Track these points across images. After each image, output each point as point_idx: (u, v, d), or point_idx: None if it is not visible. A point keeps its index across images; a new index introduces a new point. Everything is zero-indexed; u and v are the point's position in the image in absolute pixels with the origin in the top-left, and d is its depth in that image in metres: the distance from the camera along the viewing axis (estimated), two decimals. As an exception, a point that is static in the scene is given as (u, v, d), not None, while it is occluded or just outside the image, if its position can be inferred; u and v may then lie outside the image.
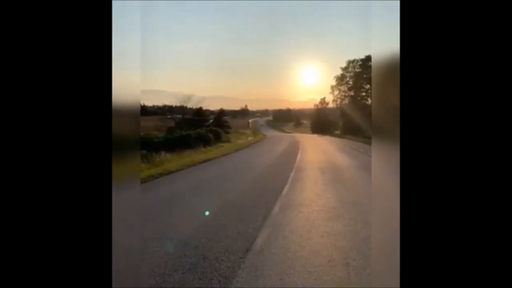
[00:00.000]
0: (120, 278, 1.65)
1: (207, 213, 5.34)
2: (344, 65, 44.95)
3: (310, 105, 64.92)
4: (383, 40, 1.74)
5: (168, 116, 37.62)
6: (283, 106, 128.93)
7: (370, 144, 12.75)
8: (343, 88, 45.23)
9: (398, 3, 1.34)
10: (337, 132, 42.95)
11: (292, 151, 17.59)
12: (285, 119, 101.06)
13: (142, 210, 5.93)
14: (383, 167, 1.71)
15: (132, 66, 1.66)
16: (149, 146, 17.89)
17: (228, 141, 28.75)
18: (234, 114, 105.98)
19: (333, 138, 33.20)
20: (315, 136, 40.34)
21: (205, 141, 23.22)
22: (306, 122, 78.94)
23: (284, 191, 7.00)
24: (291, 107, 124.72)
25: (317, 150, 18.64)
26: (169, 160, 13.83)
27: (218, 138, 27.02)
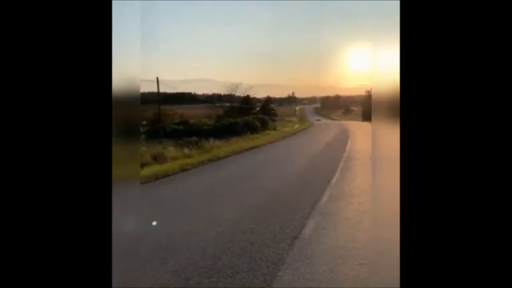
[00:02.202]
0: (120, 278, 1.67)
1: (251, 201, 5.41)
2: (399, 47, 41.96)
3: (361, 92, 61.93)
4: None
5: (217, 105, 38.65)
6: (332, 92, 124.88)
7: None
8: (398, 72, 42.36)
9: (398, 3, 1.34)
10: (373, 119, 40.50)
11: (341, 140, 17.02)
12: (333, 106, 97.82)
13: (189, 196, 6.22)
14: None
15: (131, 57, 1.66)
16: (199, 133, 18.66)
17: (275, 129, 28.77)
18: (281, 101, 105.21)
19: (385, 126, 31.43)
20: (366, 123, 38.57)
21: (252, 129, 23.52)
22: (356, 109, 75.62)
23: (333, 180, 6.81)
24: (341, 93, 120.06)
25: (368, 139, 17.81)
26: (218, 146, 14.28)
27: (264, 126, 27.18)
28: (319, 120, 54.12)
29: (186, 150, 12.47)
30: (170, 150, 12.40)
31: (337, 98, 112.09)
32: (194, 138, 15.61)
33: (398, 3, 1.35)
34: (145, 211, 4.76)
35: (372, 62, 1.86)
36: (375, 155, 1.82)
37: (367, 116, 52.21)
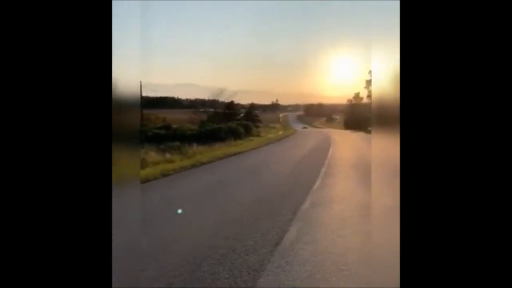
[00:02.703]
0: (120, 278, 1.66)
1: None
2: (380, 58, 43.15)
3: (343, 100, 63.03)
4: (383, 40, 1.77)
5: (201, 110, 38.40)
6: (315, 100, 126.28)
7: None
8: (379, 82, 43.46)
9: (398, 3, 1.34)
10: (371, 128, 41.46)
11: (323, 147, 17.25)
12: (316, 114, 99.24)
13: (169, 202, 6.12)
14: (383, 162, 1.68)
15: (131, 60, 1.65)
16: (182, 138, 18.45)
17: (258, 135, 28.85)
18: (265, 108, 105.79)
19: (366, 135, 32.17)
20: (348, 132, 39.30)
21: (235, 135, 23.48)
22: (338, 117, 77.00)
23: (315, 186, 6.88)
24: (323, 102, 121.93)
25: (349, 146, 18.15)
26: (201, 152, 14.15)
27: (248, 132, 27.20)
28: (305, 127, 53.95)
29: (168, 155, 12.28)
30: (152, 155, 12.18)
31: (320, 106, 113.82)
32: (177, 143, 15.42)
33: (398, 3, 1.35)
34: (125, 216, 4.62)
35: (373, 67, 1.84)
36: (375, 162, 1.82)
37: (348, 125, 53.25)
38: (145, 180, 7.99)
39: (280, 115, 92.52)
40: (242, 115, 41.97)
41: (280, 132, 35.79)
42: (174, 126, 26.94)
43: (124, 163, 1.70)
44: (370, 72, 44.55)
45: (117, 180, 1.47)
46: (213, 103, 38.98)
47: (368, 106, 48.25)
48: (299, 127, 53.59)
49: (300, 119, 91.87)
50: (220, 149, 16.02)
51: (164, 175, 8.80)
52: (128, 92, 1.64)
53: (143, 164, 10.35)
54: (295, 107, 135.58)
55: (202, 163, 11.15)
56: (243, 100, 48.61)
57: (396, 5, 1.36)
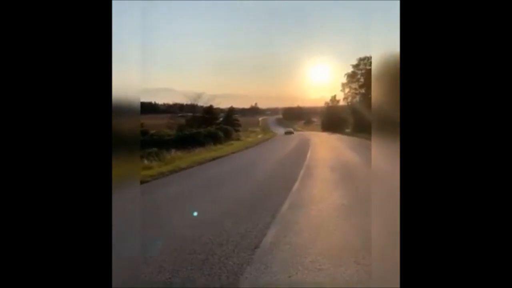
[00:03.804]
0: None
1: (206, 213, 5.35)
2: (355, 62, 44.46)
3: (321, 103, 64.11)
4: (383, 40, 1.75)
5: (179, 114, 37.91)
6: (294, 104, 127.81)
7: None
8: (354, 85, 44.69)
9: (398, 3, 1.34)
10: (348, 130, 42.49)
11: (302, 149, 17.49)
12: (295, 117, 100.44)
13: (147, 209, 6.00)
14: (383, 164, 1.71)
15: (132, 64, 1.65)
16: (160, 144, 18.12)
17: (238, 139, 28.82)
18: (244, 112, 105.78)
19: (343, 136, 32.91)
20: (325, 134, 40.06)
21: (215, 139, 23.35)
22: (316, 120, 78.28)
23: (294, 188, 6.97)
24: (302, 104, 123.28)
25: (327, 148, 18.51)
26: (179, 157, 13.94)
27: (228, 136, 27.13)
28: (291, 133, 45.97)
29: (146, 162, 12.02)
30: (129, 161, 11.88)
31: (299, 109, 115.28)
32: (155, 149, 15.11)
33: (398, 3, 1.34)
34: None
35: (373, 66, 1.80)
36: (375, 164, 1.82)
37: (326, 127, 54.24)
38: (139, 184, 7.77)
39: (260, 118, 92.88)
40: (221, 119, 41.81)
41: (260, 136, 35.95)
42: (151, 131, 26.44)
43: (124, 166, 1.68)
44: (346, 75, 45.72)
45: (117, 183, 1.46)
46: (191, 107, 38.61)
47: (344, 108, 49.45)
48: (279, 130, 53.02)
49: (279, 122, 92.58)
50: (199, 154, 15.85)
51: (142, 182, 8.59)
52: (127, 95, 1.63)
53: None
54: (274, 111, 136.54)
55: (182, 169, 11.00)
56: (222, 104, 48.39)
57: (396, 5, 1.35)
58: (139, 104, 1.77)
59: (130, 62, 1.65)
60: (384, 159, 1.71)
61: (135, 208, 1.87)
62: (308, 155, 14.07)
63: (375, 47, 1.78)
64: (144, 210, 5.76)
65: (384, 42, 1.71)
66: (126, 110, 1.63)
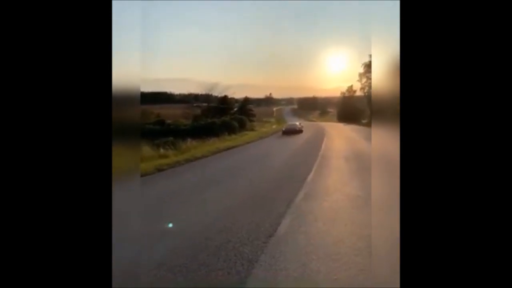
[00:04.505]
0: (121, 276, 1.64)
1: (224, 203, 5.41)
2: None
3: (337, 93, 63.00)
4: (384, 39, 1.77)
5: (195, 104, 38.20)
6: (309, 94, 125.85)
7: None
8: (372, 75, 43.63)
9: (398, 3, 1.35)
10: (364, 121, 41.75)
11: (317, 140, 17.35)
12: (310, 107, 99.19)
13: (165, 196, 6.13)
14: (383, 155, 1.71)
15: (131, 56, 1.66)
16: (176, 133, 18.40)
17: (253, 129, 28.84)
18: (259, 102, 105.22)
19: (359, 127, 32.36)
20: (341, 125, 39.51)
21: (229, 129, 23.46)
22: (332, 110, 77.10)
23: (309, 178, 6.95)
24: (317, 95, 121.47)
25: (342, 139, 18.28)
26: (195, 147, 14.15)
27: (242, 126, 27.18)
28: (295, 131, 26.37)
29: (162, 150, 12.26)
30: (146, 150, 12.16)
31: (314, 99, 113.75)
32: (171, 138, 15.39)
33: (398, 3, 1.35)
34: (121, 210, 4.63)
35: (373, 63, 1.85)
36: (375, 156, 1.83)
37: (342, 117, 53.38)
38: (140, 175, 8.02)
39: (274, 109, 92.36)
40: (236, 109, 41.86)
41: (274, 126, 35.84)
42: (168, 121, 26.83)
43: (125, 157, 1.71)
44: (363, 64, 44.67)
45: (117, 175, 1.47)
46: (206, 97, 38.81)
47: (360, 98, 48.48)
48: (294, 120, 51.28)
49: (294, 112, 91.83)
50: (214, 143, 16.02)
51: (159, 170, 8.82)
52: (129, 87, 1.64)
53: (137, 160, 10.34)
54: (289, 101, 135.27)
55: (197, 158, 11.17)
56: (237, 94, 48.24)
57: (396, 1, 1.36)
58: (139, 93, 1.77)
59: (130, 54, 1.65)
60: (384, 146, 1.72)
61: (135, 198, 1.88)
62: (323, 146, 13.94)
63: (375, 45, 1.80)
64: (160, 198, 5.91)
65: (384, 41, 1.74)
66: (127, 99, 1.63)
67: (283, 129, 23.84)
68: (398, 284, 1.30)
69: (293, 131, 22.97)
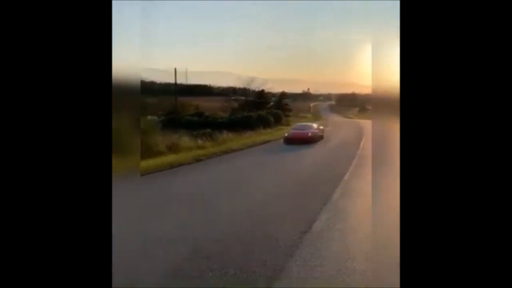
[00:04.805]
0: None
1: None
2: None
3: (378, 90, 60.20)
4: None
5: (232, 98, 38.73)
6: (348, 90, 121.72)
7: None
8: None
9: (398, 3, 1.34)
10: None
11: (355, 138, 16.85)
12: (349, 104, 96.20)
13: (204, 185, 6.33)
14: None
15: (131, 48, 1.68)
16: (214, 125, 18.86)
17: (288, 124, 28.64)
18: (296, 97, 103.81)
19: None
20: (381, 123, 37.83)
21: (265, 123, 23.52)
22: (371, 108, 74.16)
23: (346, 177, 6.82)
24: (357, 91, 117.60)
25: (382, 138, 17.55)
26: (231, 139, 14.43)
27: (278, 121, 27.13)
28: (307, 139, 14.28)
29: (200, 141, 12.67)
30: (185, 140, 12.63)
31: (353, 96, 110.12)
32: (208, 130, 15.81)
33: (398, 3, 1.35)
34: (154, 200, 4.88)
35: (374, 61, 1.86)
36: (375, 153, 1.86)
37: (382, 116, 51.01)
38: (179, 164, 8.39)
39: (311, 104, 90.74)
40: (272, 103, 41.78)
41: (311, 122, 35.29)
42: (206, 113, 27.50)
43: (124, 152, 1.75)
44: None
45: (116, 172, 1.45)
46: (244, 91, 39.15)
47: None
48: (331, 117, 48.69)
49: (331, 109, 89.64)
50: (249, 137, 16.22)
51: (197, 160, 9.17)
52: (128, 80, 1.65)
53: (177, 149, 10.79)
54: (327, 97, 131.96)
55: (233, 150, 11.41)
56: (274, 88, 47.94)
57: (396, 2, 1.36)
58: (139, 86, 1.81)
59: (130, 45, 1.65)
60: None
61: (135, 193, 1.86)
62: (362, 144, 13.53)
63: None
64: (199, 188, 6.13)
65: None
66: (126, 94, 1.65)
67: (286, 134, 14.78)
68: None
69: (302, 139, 13.54)
